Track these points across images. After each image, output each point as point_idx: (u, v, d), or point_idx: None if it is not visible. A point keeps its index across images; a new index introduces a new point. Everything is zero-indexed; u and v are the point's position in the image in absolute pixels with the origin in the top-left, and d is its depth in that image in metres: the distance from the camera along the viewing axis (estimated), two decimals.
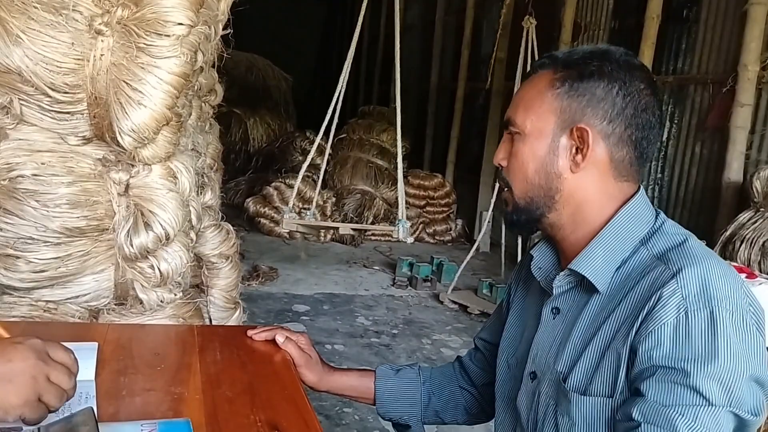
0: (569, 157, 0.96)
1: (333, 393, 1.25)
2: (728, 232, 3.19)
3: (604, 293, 0.94)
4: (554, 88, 0.96)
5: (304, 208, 6.09)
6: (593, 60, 0.96)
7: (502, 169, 1.03)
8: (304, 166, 4.68)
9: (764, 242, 3.04)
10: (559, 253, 1.04)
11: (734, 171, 3.79)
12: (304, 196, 6.19)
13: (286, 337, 1.17)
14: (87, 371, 0.90)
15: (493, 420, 1.18)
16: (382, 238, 6.46)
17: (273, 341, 1.16)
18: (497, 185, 5.08)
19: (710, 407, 0.79)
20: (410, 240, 4.59)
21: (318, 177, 5.08)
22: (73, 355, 0.75)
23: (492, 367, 1.20)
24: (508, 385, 1.10)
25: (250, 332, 1.18)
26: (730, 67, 3.84)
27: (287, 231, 4.89)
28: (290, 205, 4.73)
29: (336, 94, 4.54)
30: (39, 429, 0.66)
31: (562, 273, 0.99)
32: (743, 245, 3.07)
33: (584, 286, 0.97)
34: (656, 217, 0.97)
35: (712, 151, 4.29)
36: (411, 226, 5.11)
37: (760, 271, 2.91)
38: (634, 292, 0.90)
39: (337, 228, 5.38)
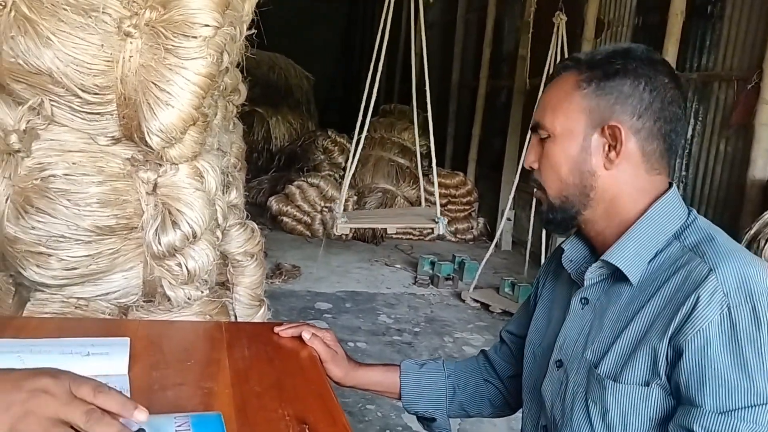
0: (602, 154, 0.99)
1: (359, 388, 1.26)
2: (753, 230, 3.15)
3: (636, 284, 0.95)
4: (581, 88, 0.99)
5: (325, 207, 6.14)
6: (617, 59, 0.97)
7: (534, 171, 1.05)
8: (351, 168, 4.76)
9: None
10: (591, 247, 1.06)
11: (759, 168, 3.74)
12: (326, 195, 6.22)
13: (312, 333, 1.19)
14: (120, 366, 0.93)
15: (520, 411, 1.19)
16: (404, 236, 6.47)
17: (299, 338, 1.18)
18: (516, 184, 5.08)
19: (766, 406, 0.81)
20: (448, 236, 4.85)
21: (340, 176, 5.16)
22: (107, 392, 0.67)
23: (517, 360, 1.22)
24: (534, 375, 1.11)
25: (276, 329, 1.20)
26: (755, 64, 3.79)
27: (339, 234, 4.92)
28: (340, 209, 4.77)
29: (366, 94, 4.61)
30: None
31: (594, 264, 1.01)
32: None
33: (616, 278, 0.98)
34: (689, 214, 0.99)
35: (736, 148, 4.24)
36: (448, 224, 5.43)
37: None
38: (668, 284, 0.91)
39: (384, 228, 5.49)
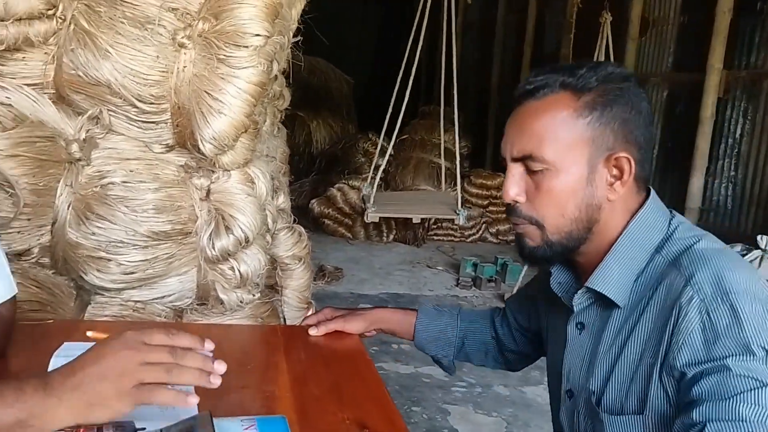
0: (606, 186, 0.94)
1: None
2: None
3: (624, 306, 0.93)
4: (582, 117, 0.92)
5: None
6: (610, 82, 0.93)
7: (518, 205, 0.97)
8: (383, 162, 5.19)
9: None
10: (575, 268, 1.03)
11: None
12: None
13: (314, 326, 1.23)
14: None
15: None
16: (445, 238, 6.47)
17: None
18: None
19: (765, 387, 0.78)
20: (468, 223, 5.58)
21: (381, 178, 5.29)
22: (176, 333, 0.77)
23: (516, 342, 1.29)
24: (553, 400, 1.12)
25: (310, 331, 1.23)
26: None
27: (370, 222, 5.41)
28: (371, 201, 5.11)
29: (403, 96, 4.76)
30: (161, 430, 0.70)
31: (580, 291, 0.98)
32: None
33: (603, 301, 0.96)
34: (669, 222, 0.96)
35: None
36: (473, 223, 5.99)
37: None
38: (653, 302, 0.90)
39: (410, 218, 5.71)
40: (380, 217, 5.40)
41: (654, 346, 0.87)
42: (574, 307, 0.99)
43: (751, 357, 0.79)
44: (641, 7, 5.51)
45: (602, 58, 4.77)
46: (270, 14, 1.49)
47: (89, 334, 0.91)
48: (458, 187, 5.23)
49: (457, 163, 5.35)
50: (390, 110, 4.82)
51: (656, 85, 5.60)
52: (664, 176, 5.42)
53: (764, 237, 2.64)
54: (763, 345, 0.80)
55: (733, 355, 0.80)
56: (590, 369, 0.97)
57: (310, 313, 1.94)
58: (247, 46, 1.47)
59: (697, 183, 5.00)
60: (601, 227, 0.95)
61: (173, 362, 0.74)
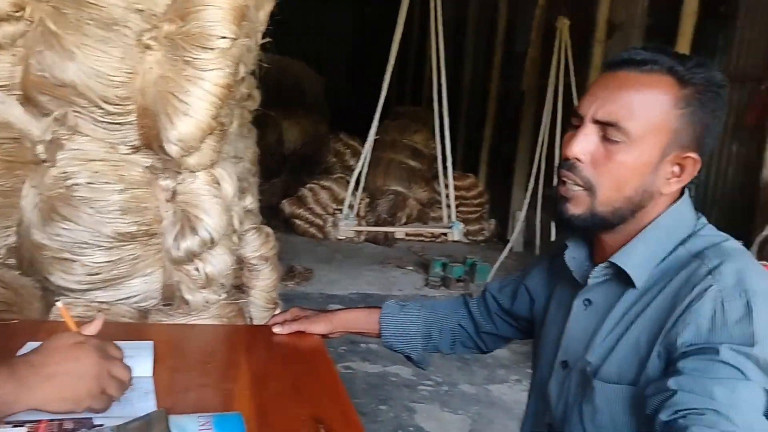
0: (665, 178, 0.95)
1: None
2: (765, 233, 3.16)
3: (641, 288, 0.96)
4: (678, 107, 0.92)
5: (337, 209, 6.19)
6: (712, 83, 0.94)
7: (578, 163, 0.95)
8: (356, 172, 4.70)
9: None
10: (592, 245, 1.05)
11: None
12: (338, 197, 6.27)
13: (279, 324, 1.25)
14: (146, 368, 0.97)
15: (525, 406, 1.22)
16: (416, 238, 6.51)
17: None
18: (531, 187, 5.09)
19: (747, 381, 0.80)
20: (464, 238, 4.71)
21: (351, 178, 5.15)
22: (122, 351, 0.87)
23: (496, 324, 1.30)
24: (541, 372, 1.13)
25: (274, 329, 1.25)
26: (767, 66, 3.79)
27: (341, 237, 5.03)
28: (345, 212, 4.78)
29: (378, 96, 4.63)
30: (118, 428, 0.73)
31: (601, 265, 1.00)
32: None
33: (620, 279, 0.98)
34: (697, 220, 0.99)
35: (749, 149, 4.24)
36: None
37: None
38: (669, 287, 0.92)
39: (393, 232, 5.44)
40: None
41: (661, 324, 0.90)
42: (589, 281, 1.01)
43: (746, 352, 0.81)
44: (607, 10, 5.60)
45: (562, 63, 4.86)
46: (236, 17, 1.51)
47: (59, 305, 0.93)
48: (451, 196, 4.78)
49: (447, 165, 4.96)
50: (367, 111, 4.69)
51: None
52: None
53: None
54: (763, 350, 0.82)
55: (730, 344, 0.82)
56: (591, 342, 0.99)
57: (277, 312, 1.96)
58: (213, 48, 1.48)
59: None
60: (643, 213, 0.97)
61: (128, 380, 0.85)
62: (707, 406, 0.78)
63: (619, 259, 0.97)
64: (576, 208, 0.97)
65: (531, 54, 6.43)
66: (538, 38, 6.37)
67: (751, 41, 4.24)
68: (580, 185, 0.96)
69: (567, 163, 0.96)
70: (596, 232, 1.01)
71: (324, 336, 1.28)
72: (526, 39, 6.85)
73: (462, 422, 2.98)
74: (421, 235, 6.44)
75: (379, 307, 1.37)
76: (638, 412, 0.91)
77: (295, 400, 0.95)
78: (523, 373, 3.56)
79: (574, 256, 1.07)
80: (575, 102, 5.09)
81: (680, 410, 0.80)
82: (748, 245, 3.58)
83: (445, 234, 4.93)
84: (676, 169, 0.95)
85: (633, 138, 0.92)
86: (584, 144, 0.94)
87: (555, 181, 1.02)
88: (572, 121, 0.99)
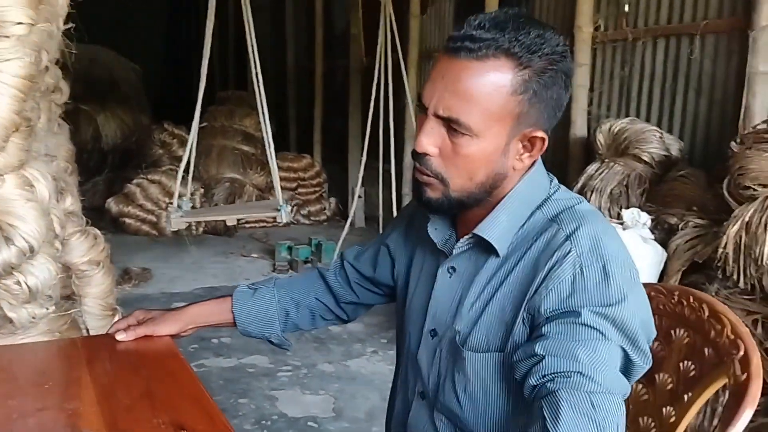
0: (516, 157, 0.97)
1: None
2: (579, 184, 3.44)
3: (502, 255, 0.99)
4: (517, 93, 0.92)
5: (170, 203, 5.89)
6: (552, 60, 0.92)
7: (428, 157, 0.96)
8: (184, 161, 4.48)
9: (611, 190, 3.31)
10: (454, 217, 1.07)
11: (579, 127, 4.07)
12: (170, 190, 5.96)
13: (122, 330, 1.18)
14: None
15: (393, 373, 1.22)
16: (257, 225, 6.38)
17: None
18: (364, 161, 5.14)
19: (606, 341, 0.87)
20: (292, 221, 4.56)
21: (180, 168, 4.90)
22: None
23: (353, 290, 1.29)
24: (410, 340, 1.13)
25: (117, 336, 1.16)
26: (566, 30, 4.09)
27: (175, 230, 4.77)
28: (175, 203, 4.54)
29: (198, 83, 4.41)
30: None
31: (465, 237, 1.02)
32: (594, 195, 3.33)
33: (482, 247, 1.01)
34: (551, 183, 1.04)
35: None
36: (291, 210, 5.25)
37: (610, 218, 3.18)
38: (530, 253, 0.96)
39: (224, 220, 5.24)
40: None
41: (524, 290, 0.93)
42: (454, 251, 1.03)
43: (605, 313, 0.87)
44: None
45: (388, 36, 4.96)
46: (32, 0, 1.36)
47: None
48: (275, 179, 4.56)
49: (272, 152, 4.79)
50: (187, 98, 4.47)
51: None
52: None
53: (632, 211, 2.84)
54: (621, 311, 0.88)
55: (589, 307, 0.88)
56: (458, 311, 1.01)
57: (116, 318, 1.82)
58: (9, 36, 1.33)
59: None
60: (500, 190, 0.99)
61: None
62: (572, 368, 0.84)
63: (482, 230, 1.00)
64: (433, 193, 0.99)
65: (353, 31, 6.48)
66: (356, 15, 6.44)
67: (550, 9, 4.51)
68: (433, 177, 0.97)
69: (418, 156, 0.98)
70: (459, 210, 1.04)
71: (174, 336, 1.21)
72: (345, 19, 6.90)
73: (325, 402, 2.98)
74: (262, 221, 6.32)
75: (230, 296, 1.30)
76: (508, 377, 0.96)
77: (151, 408, 0.88)
78: (378, 344, 3.63)
79: (436, 227, 1.08)
80: (404, 75, 5.22)
81: (547, 374, 0.85)
82: None
83: (274, 218, 4.83)
84: (527, 144, 0.98)
85: (476, 131, 0.92)
86: (430, 138, 0.95)
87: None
88: (419, 107, 0.98)
